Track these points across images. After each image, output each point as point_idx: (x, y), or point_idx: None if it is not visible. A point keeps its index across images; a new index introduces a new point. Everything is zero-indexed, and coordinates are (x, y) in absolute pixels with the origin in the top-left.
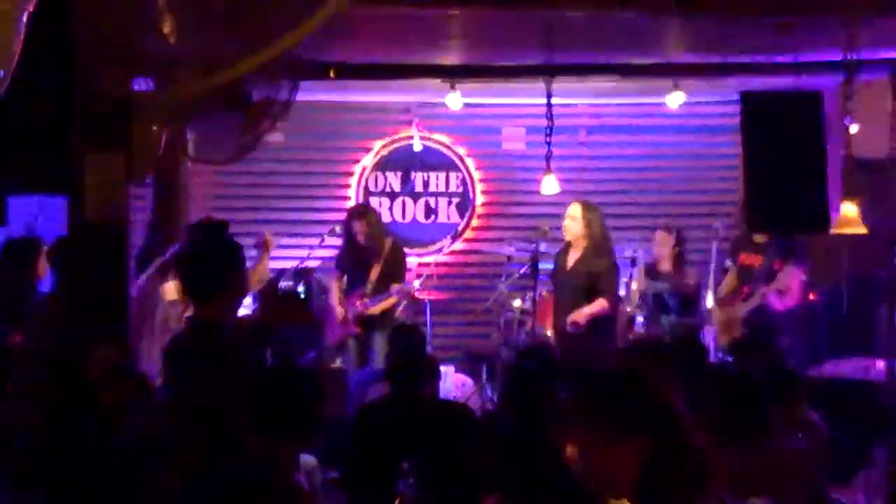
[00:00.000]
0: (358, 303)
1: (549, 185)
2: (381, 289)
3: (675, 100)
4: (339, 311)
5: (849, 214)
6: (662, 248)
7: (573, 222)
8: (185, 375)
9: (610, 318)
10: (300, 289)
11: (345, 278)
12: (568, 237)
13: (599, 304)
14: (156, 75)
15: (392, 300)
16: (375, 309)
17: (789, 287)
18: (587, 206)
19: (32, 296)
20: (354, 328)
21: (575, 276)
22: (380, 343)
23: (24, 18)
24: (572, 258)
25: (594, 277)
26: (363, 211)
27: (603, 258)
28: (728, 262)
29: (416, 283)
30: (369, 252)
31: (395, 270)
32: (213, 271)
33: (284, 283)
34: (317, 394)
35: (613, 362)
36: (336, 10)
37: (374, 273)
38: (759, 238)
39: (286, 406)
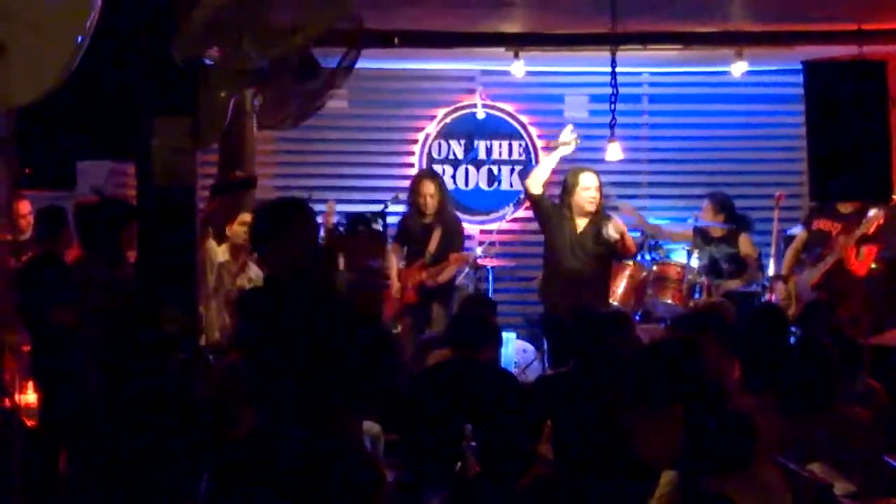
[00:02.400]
0: (424, 273)
1: (614, 153)
2: (440, 258)
3: (738, 69)
4: (396, 285)
5: None
6: (707, 216)
7: (598, 193)
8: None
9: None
10: (377, 225)
11: (404, 249)
12: (594, 209)
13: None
14: (224, 42)
15: (452, 269)
16: (442, 278)
17: (869, 236)
18: (598, 174)
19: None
20: (412, 297)
21: (593, 244)
22: (437, 311)
23: None
24: (581, 224)
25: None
26: (435, 173)
27: (611, 221)
28: (793, 230)
29: (479, 251)
30: (434, 217)
31: (453, 239)
32: (264, 226)
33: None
34: (396, 365)
35: None
36: None
37: (434, 242)
38: (844, 207)
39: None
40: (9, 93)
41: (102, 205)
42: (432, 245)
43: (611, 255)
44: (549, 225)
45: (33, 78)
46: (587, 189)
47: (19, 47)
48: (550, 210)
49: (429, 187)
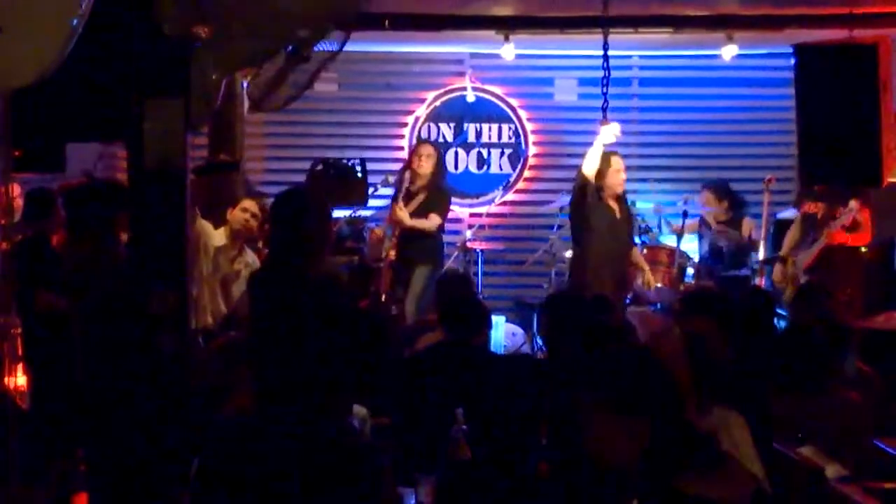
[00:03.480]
0: (396, 207)
1: (608, 134)
2: (419, 215)
3: (728, 52)
4: (376, 235)
5: None
6: (708, 206)
7: (625, 174)
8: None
9: None
10: (357, 167)
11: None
12: (621, 191)
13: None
14: (216, 24)
15: (428, 224)
16: (412, 222)
17: (856, 222)
18: (623, 157)
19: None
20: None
21: (625, 225)
22: (418, 277)
23: None
24: (615, 208)
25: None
26: (437, 144)
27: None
28: (783, 213)
29: (468, 234)
30: (423, 186)
31: (437, 204)
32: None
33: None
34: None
35: None
36: None
37: (413, 205)
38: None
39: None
40: (5, 75)
41: (95, 188)
42: (414, 203)
43: (632, 237)
44: (587, 209)
45: (30, 60)
46: (619, 171)
47: (15, 29)
48: (592, 194)
49: (427, 149)
